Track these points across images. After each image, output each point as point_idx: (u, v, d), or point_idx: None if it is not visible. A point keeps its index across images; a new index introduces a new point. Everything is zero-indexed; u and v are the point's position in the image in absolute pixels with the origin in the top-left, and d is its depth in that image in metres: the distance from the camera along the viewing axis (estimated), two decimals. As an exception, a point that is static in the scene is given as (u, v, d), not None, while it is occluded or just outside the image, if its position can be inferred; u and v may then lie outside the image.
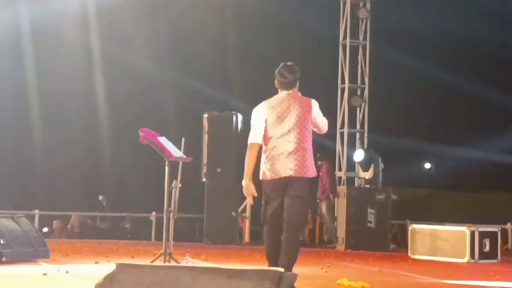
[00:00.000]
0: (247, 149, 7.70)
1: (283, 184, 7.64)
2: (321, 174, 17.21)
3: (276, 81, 7.94)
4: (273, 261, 7.48)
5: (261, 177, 7.76)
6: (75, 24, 20.89)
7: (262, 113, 7.72)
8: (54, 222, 19.07)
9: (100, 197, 19.69)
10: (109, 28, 20.81)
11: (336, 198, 16.79)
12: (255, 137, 7.70)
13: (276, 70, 7.97)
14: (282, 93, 7.85)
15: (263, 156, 7.73)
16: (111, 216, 19.35)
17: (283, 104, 7.77)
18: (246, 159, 7.73)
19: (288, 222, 7.51)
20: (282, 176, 7.61)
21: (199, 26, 21.03)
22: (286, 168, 7.60)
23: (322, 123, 7.91)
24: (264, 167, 7.73)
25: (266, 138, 7.70)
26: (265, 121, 7.68)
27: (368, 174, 15.94)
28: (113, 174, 22.02)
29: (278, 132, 7.66)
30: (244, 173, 7.71)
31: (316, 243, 17.56)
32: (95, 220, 19.35)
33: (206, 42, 21.59)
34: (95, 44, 21.49)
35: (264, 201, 7.77)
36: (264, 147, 7.72)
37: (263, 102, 7.81)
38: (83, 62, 21.64)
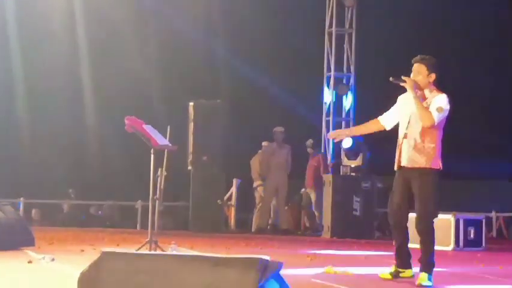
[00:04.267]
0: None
1: None
2: (310, 162, 17.24)
3: (435, 75, 8.09)
4: None
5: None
6: (61, 13, 20.78)
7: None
8: (33, 211, 19.07)
9: (70, 190, 19.85)
10: (95, 17, 20.73)
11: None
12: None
13: (435, 61, 8.18)
14: None
15: (440, 144, 8.03)
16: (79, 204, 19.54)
17: None
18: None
19: None
20: None
21: (185, 13, 20.97)
22: None
23: None
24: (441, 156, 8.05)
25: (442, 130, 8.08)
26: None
27: (356, 163, 15.95)
28: (99, 162, 21.96)
29: None
30: None
31: (302, 230, 17.59)
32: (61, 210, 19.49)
33: (192, 29, 21.52)
34: (81, 33, 21.40)
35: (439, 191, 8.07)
36: (439, 137, 8.03)
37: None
38: (69, 51, 21.54)
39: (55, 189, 19.74)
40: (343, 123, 17.23)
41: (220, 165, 16.70)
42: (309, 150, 17.24)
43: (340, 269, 8.75)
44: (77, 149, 22.06)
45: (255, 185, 17.47)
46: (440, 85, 8.14)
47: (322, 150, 17.33)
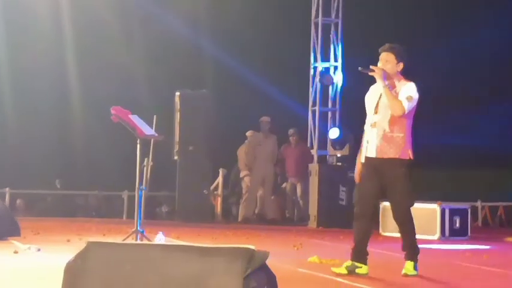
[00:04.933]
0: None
1: None
2: (294, 151, 17.25)
3: (404, 64, 8.03)
4: None
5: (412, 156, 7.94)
6: (47, 4, 20.68)
7: None
8: (18, 201, 19.04)
9: (56, 181, 19.86)
10: (81, 7, 20.64)
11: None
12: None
13: (404, 50, 8.10)
14: None
15: (410, 134, 7.94)
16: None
17: None
18: None
19: None
20: None
21: (170, 5, 20.91)
22: None
23: None
24: (412, 146, 7.96)
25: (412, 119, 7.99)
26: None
27: (343, 152, 15.97)
28: (84, 152, 21.93)
29: None
30: None
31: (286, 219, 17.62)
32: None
33: (178, 19, 21.47)
34: (67, 23, 21.31)
35: (411, 181, 7.98)
36: (411, 125, 7.96)
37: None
38: (54, 40, 21.45)
39: (41, 180, 19.70)
40: (329, 113, 17.24)
41: (206, 155, 16.70)
42: (292, 139, 17.28)
43: (326, 259, 8.77)
44: (62, 139, 22.00)
45: (241, 175, 17.48)
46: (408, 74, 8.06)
47: (308, 140, 17.33)
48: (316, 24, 17.23)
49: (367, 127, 8.02)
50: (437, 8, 22.72)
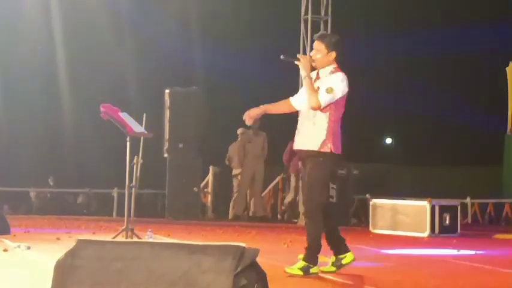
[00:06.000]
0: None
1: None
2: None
3: (335, 53, 7.66)
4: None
5: (334, 150, 7.53)
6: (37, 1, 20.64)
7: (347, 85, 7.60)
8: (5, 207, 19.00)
9: (50, 178, 19.82)
10: (70, 2, 20.60)
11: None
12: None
13: (336, 39, 7.75)
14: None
15: (335, 127, 7.55)
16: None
17: None
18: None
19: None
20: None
21: (160, 2, 20.90)
22: None
23: None
24: (336, 140, 7.56)
25: (340, 111, 7.60)
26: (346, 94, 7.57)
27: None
28: (74, 150, 21.90)
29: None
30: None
31: (279, 218, 17.64)
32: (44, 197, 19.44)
33: (168, 17, 21.46)
34: (57, 21, 21.27)
35: (328, 175, 7.63)
36: (337, 118, 7.56)
37: (343, 73, 7.60)
38: (44, 38, 21.41)
39: (30, 178, 19.65)
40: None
41: (196, 152, 16.69)
42: None
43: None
44: (52, 137, 21.97)
45: (234, 172, 17.48)
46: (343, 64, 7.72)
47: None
48: (306, 21, 17.23)
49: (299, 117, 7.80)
50: (427, 4, 22.76)
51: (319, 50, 7.63)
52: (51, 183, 19.82)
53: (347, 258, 7.73)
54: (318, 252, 7.54)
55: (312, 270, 7.46)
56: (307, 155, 7.59)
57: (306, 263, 7.45)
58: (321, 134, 7.50)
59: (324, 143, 7.48)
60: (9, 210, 18.16)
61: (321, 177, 7.55)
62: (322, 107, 7.45)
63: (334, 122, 7.52)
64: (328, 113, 7.50)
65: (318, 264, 7.56)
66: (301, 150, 7.68)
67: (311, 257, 7.48)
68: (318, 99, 7.43)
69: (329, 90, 7.44)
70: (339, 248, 7.76)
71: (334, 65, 7.66)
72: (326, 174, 7.58)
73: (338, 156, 7.59)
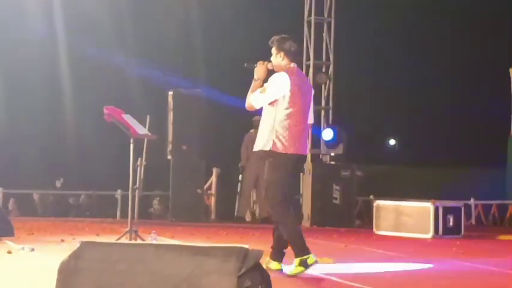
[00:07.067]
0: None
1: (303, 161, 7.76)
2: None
3: (285, 53, 7.70)
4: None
5: (282, 150, 7.44)
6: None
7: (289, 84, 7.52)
8: (11, 200, 19.01)
9: (57, 181, 19.83)
10: (73, 4, 20.61)
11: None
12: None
13: (280, 39, 7.79)
14: (294, 65, 7.69)
15: (286, 127, 7.46)
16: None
17: (305, 78, 7.87)
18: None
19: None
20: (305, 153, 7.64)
21: (162, 4, 20.90)
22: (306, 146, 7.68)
23: None
24: (291, 140, 7.46)
25: (287, 111, 7.50)
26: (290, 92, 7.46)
27: (336, 151, 15.98)
28: (78, 152, 21.91)
29: (305, 109, 7.60)
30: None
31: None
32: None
33: (170, 20, 21.46)
34: (59, 21, 21.28)
35: (285, 175, 7.50)
36: (284, 118, 7.45)
37: (286, 73, 7.53)
38: (46, 39, 21.42)
39: (34, 180, 19.67)
40: (323, 112, 17.24)
41: (199, 154, 16.69)
42: None
43: (319, 257, 8.75)
44: (56, 139, 21.99)
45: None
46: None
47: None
48: (309, 23, 17.24)
49: None
50: (430, 5, 22.74)
51: (272, 54, 7.76)
52: (58, 186, 19.81)
53: (274, 265, 7.67)
54: (303, 241, 7.49)
55: (309, 261, 7.42)
56: (260, 156, 7.67)
57: (300, 258, 7.42)
58: (268, 134, 7.50)
59: (273, 143, 7.45)
60: (15, 204, 18.24)
61: (274, 179, 7.48)
62: (255, 108, 7.61)
63: (284, 121, 7.45)
64: (273, 113, 7.50)
65: (312, 253, 7.50)
66: (257, 151, 7.69)
67: (300, 250, 7.45)
68: (248, 100, 7.60)
69: (261, 90, 7.55)
70: (278, 251, 7.72)
71: (288, 66, 7.67)
72: (281, 176, 7.47)
73: (294, 156, 7.48)
